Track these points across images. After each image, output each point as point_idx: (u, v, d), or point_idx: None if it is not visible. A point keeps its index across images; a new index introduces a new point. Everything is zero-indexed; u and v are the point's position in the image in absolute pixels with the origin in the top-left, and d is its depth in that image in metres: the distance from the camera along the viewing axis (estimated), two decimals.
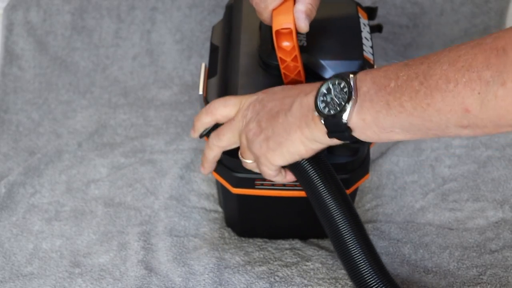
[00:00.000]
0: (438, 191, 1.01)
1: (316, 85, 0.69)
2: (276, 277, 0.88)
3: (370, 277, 0.70)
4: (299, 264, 0.89)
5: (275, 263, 0.90)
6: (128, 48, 1.26)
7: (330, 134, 0.67)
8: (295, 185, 0.82)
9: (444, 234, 0.94)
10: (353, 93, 0.64)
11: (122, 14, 1.25)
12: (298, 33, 0.73)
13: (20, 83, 1.19)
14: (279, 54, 0.74)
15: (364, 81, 0.64)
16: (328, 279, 0.87)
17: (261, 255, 0.91)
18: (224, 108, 0.77)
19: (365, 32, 0.84)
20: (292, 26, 0.71)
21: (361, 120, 0.64)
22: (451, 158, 1.07)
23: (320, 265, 0.89)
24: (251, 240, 0.94)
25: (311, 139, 0.69)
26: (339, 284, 0.87)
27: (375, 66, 0.82)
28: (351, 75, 0.65)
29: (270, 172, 0.75)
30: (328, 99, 0.66)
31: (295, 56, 0.75)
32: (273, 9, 0.73)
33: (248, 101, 0.75)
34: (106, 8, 1.24)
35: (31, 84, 1.20)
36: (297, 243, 0.93)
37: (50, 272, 0.89)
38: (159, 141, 1.12)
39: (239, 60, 0.82)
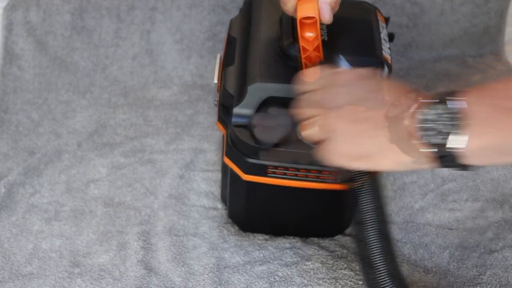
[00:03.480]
0: (437, 191, 1.01)
1: (403, 101, 0.63)
2: (276, 277, 0.88)
3: None
4: (299, 263, 0.89)
5: (275, 262, 0.90)
6: (127, 48, 1.26)
7: (436, 164, 0.62)
8: (307, 176, 0.82)
9: (444, 234, 0.94)
10: (465, 119, 0.58)
11: (121, 14, 1.25)
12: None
13: (19, 83, 1.19)
14: (302, 43, 0.76)
15: (478, 104, 0.58)
16: (328, 279, 0.87)
17: (261, 255, 0.91)
18: None
19: (383, 34, 0.87)
20: (316, 16, 0.74)
21: (477, 147, 0.59)
22: None
23: (320, 265, 0.89)
24: (251, 238, 0.94)
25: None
26: (339, 284, 0.86)
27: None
28: (458, 99, 0.59)
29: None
30: (430, 125, 0.60)
31: (317, 46, 0.77)
32: None
33: None
34: (105, 8, 1.24)
35: (31, 84, 1.19)
36: (297, 242, 0.93)
37: (49, 272, 0.89)
38: (158, 141, 1.11)
39: (259, 50, 0.84)
